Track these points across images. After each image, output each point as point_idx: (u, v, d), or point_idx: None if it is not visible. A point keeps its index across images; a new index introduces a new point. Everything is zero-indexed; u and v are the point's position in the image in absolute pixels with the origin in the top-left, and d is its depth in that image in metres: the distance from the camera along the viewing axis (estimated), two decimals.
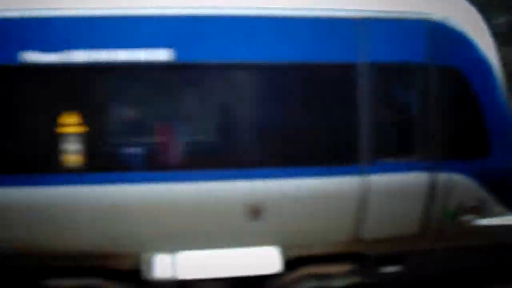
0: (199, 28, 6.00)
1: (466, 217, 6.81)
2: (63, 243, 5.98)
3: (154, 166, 6.07)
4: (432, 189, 6.64)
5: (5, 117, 5.75)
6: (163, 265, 6.12)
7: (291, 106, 6.35)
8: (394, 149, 6.56)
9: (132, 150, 6.06)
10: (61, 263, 6.14)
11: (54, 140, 5.85)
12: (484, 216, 6.84)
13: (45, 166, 5.86)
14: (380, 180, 6.43)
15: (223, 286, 6.39)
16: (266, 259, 6.35)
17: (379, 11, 6.43)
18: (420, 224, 6.74)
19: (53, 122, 5.82)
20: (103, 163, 5.98)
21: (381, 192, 6.53)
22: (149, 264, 6.11)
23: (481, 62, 6.75)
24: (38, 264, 6.06)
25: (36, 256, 5.96)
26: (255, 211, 6.16)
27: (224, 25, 6.08)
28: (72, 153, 5.91)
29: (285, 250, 6.39)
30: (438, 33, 6.63)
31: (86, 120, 5.86)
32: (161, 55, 5.91)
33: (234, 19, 6.11)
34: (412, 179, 6.59)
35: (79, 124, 5.88)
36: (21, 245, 5.86)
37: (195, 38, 6.01)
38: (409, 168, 6.58)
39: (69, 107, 5.86)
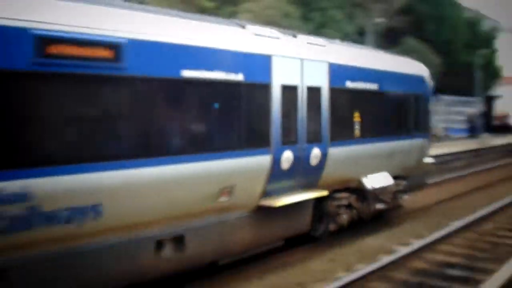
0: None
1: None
2: (348, 176, 13.15)
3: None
4: (423, 146, 16.49)
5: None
6: (367, 182, 13.55)
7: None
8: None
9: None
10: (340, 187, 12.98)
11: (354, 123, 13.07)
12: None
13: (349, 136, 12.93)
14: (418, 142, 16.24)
15: (384, 190, 14.15)
16: (389, 178, 14.42)
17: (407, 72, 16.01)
18: (416, 162, 16.17)
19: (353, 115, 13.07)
20: (364, 135, 13.24)
21: (418, 147, 16.21)
22: (364, 182, 13.52)
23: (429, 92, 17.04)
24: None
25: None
26: (390, 157, 14.55)
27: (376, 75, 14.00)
28: (357, 130, 13.14)
29: (392, 174, 14.54)
30: (423, 80, 16.60)
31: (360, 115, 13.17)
32: None
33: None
34: (420, 142, 16.23)
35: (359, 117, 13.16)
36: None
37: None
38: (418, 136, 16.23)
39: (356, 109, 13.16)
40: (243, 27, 10.73)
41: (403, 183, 15.33)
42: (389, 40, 37.42)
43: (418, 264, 11.76)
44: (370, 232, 14.34)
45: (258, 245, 11.30)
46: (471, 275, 10.95)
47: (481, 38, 51.07)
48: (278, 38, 11.15)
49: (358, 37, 32.40)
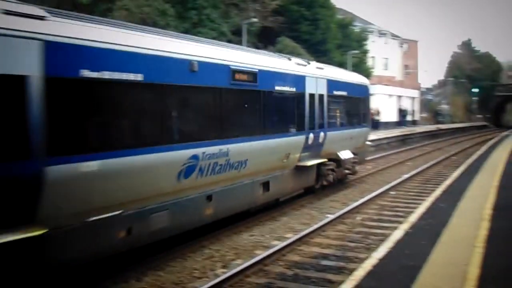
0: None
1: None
2: (333, 151, 19.91)
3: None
4: (366, 133, 24.67)
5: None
6: (341, 155, 20.46)
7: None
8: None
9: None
10: (328, 157, 19.60)
11: (336, 117, 20.53)
12: None
13: (335, 125, 20.09)
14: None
15: (348, 161, 21.35)
16: (350, 153, 21.36)
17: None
18: (362, 144, 23.82)
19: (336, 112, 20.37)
20: (340, 125, 20.73)
21: (363, 133, 24.08)
22: (339, 155, 20.40)
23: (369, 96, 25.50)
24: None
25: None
26: (350, 139, 21.55)
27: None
28: (338, 121, 20.65)
29: (351, 151, 21.54)
30: (367, 88, 24.95)
31: (339, 112, 20.78)
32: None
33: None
34: (365, 130, 24.18)
35: (338, 113, 20.81)
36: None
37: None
38: (364, 126, 23.90)
39: (337, 108, 20.60)
40: (290, 59, 17.24)
41: (356, 157, 22.38)
42: (265, 40, 38.15)
43: (294, 257, 12.13)
44: (247, 228, 14.62)
45: (294, 190, 18.21)
46: (344, 265, 11.43)
47: (353, 39, 53.19)
48: (305, 65, 17.65)
49: (234, 36, 32.70)
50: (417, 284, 8.59)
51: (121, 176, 9.78)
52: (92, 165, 9.13)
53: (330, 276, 10.80)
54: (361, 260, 10.92)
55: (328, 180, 19.84)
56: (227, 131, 13.08)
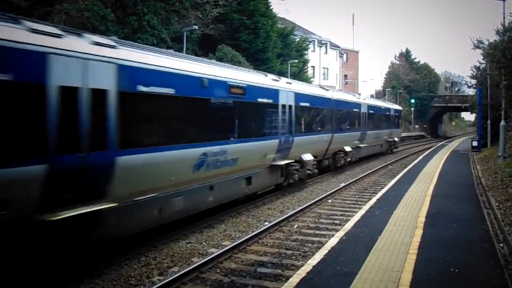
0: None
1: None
2: (393, 137, 50.21)
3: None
4: (400, 131, 60.22)
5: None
6: (394, 138, 50.91)
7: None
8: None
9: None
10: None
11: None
12: None
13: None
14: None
15: (396, 141, 52.82)
16: (396, 139, 53.43)
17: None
18: (399, 135, 57.09)
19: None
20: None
21: (399, 131, 58.81)
22: (394, 139, 50.79)
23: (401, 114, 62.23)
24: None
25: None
26: (396, 132, 52.85)
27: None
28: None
29: (396, 138, 53.52)
30: (400, 111, 62.05)
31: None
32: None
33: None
34: (400, 130, 59.78)
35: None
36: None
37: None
38: (399, 127, 57.96)
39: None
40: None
41: (398, 141, 51.69)
42: (205, 47, 38.04)
43: (231, 264, 12.10)
44: (184, 236, 14.47)
45: (384, 150, 46.53)
46: (280, 272, 11.47)
47: (293, 48, 53.69)
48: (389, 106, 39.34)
49: (174, 43, 32.46)
50: None
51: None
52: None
53: (267, 284, 10.81)
54: (299, 268, 10.97)
55: (391, 149, 47.90)
56: (371, 127, 38.57)
